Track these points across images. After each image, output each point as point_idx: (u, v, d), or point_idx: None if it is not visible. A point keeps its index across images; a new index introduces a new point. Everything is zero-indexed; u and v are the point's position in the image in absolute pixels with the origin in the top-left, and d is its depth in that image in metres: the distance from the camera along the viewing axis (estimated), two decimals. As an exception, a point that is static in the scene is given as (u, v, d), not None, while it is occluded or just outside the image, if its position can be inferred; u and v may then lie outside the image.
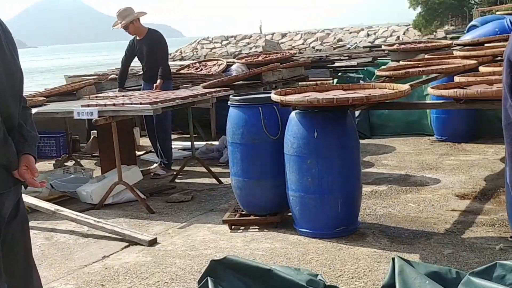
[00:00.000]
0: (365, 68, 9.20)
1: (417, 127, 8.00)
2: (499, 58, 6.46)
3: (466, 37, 9.55)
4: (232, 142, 4.60)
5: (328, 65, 9.15)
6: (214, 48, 58.91)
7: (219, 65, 9.23)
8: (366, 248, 3.97)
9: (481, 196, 5.03)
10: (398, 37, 49.25)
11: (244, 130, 4.51)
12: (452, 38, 13.98)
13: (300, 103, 3.94)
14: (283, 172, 4.35)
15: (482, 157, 6.43)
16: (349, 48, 36.93)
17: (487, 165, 6.08)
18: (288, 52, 9.39)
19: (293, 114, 4.26)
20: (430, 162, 6.37)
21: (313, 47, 51.84)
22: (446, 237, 4.10)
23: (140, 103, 5.14)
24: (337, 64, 9.13)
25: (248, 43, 58.41)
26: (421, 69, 5.67)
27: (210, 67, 9.29)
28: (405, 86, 4.18)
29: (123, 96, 6.06)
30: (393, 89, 4.33)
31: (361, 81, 9.14)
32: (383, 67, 8.31)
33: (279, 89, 4.40)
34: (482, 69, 5.22)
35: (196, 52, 57.63)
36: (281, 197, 4.45)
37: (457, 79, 4.53)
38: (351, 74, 9.33)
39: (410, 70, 5.67)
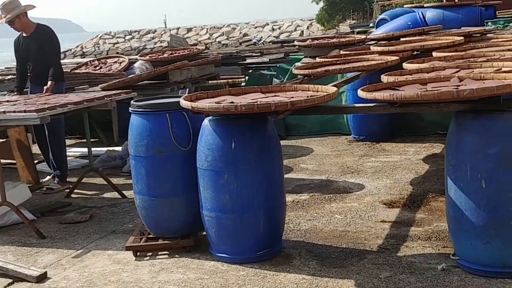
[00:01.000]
0: (277, 65, 8.75)
1: (333, 126, 7.64)
2: (419, 53, 6.18)
3: (379, 32, 9.32)
4: (135, 156, 3.96)
5: (240, 62, 8.62)
6: (117, 43, 57.14)
7: (121, 63, 8.47)
8: (294, 275, 3.47)
9: (410, 203, 4.67)
10: (302, 31, 49.78)
11: (149, 141, 3.88)
12: (359, 33, 13.87)
13: (215, 110, 3.37)
14: (197, 188, 3.78)
15: (403, 158, 6.12)
16: (255, 43, 36.71)
17: (410, 166, 5.77)
18: (196, 48, 8.77)
19: (206, 122, 3.69)
20: (350, 165, 5.99)
21: (219, 42, 51.41)
22: (380, 255, 3.67)
23: (25, 111, 4.38)
24: (248, 60, 8.61)
25: (153, 38, 57.16)
26: (341, 66, 5.25)
27: (111, 65, 8.50)
28: (332, 89, 3.71)
29: (7, 101, 5.24)
30: (317, 91, 3.85)
31: (274, 79, 8.69)
32: (297, 64, 7.87)
33: (189, 93, 3.80)
34: (407, 66, 4.85)
35: (98, 47, 55.67)
36: (195, 216, 3.87)
37: (385, 78, 4.12)
38: (263, 71, 8.85)
39: (330, 67, 5.23)
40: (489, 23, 11.21)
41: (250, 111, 3.30)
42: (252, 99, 3.80)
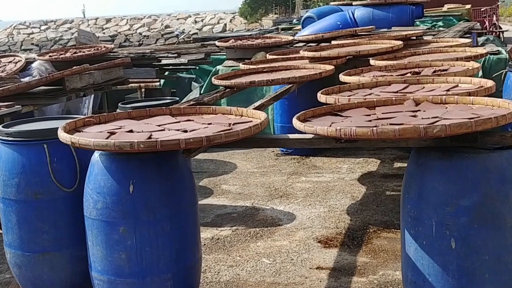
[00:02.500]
0: (197, 67, 7.90)
1: (260, 136, 6.87)
2: (352, 58, 5.51)
3: (306, 32, 8.65)
4: (3, 198, 3.03)
5: (154, 63, 7.71)
6: (32, 33, 54.41)
7: (16, 63, 7.34)
8: None
9: (348, 240, 3.97)
10: (225, 24, 48.97)
11: (20, 180, 2.97)
12: (284, 29, 13.21)
13: (103, 148, 2.50)
14: (85, 239, 2.91)
15: (336, 177, 5.44)
16: (177, 36, 35.57)
17: (345, 189, 5.09)
18: (104, 47, 7.77)
19: (96, 157, 2.81)
20: (279, 186, 5.24)
21: (140, 33, 49.73)
22: (320, 323, 2.94)
23: None
24: (164, 61, 7.71)
25: (70, 28, 54.83)
26: (269, 77, 4.49)
27: (5, 65, 7.36)
28: (261, 114, 2.93)
29: None
30: (241, 115, 3.06)
31: (193, 83, 7.83)
32: (219, 67, 7.08)
33: (71, 120, 2.91)
34: (345, 78, 4.15)
35: (12, 38, 52.85)
36: (84, 277, 3.00)
37: (323, 97, 3.39)
38: (181, 74, 7.97)
39: (256, 79, 4.45)
40: (417, 23, 10.79)
41: (151, 150, 2.46)
42: (158, 126, 2.96)
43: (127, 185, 2.72)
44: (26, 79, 6.42)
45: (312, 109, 3.00)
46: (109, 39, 46.40)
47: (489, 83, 3.35)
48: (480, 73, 6.03)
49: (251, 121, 2.94)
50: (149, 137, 2.74)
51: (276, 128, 6.53)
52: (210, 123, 2.97)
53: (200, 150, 2.66)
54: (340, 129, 2.41)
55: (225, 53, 7.43)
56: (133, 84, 7.33)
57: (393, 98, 3.11)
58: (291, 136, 2.80)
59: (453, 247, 2.47)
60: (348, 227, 4.20)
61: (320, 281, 3.40)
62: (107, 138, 2.69)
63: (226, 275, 3.54)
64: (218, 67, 7.08)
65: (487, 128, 2.34)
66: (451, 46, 5.43)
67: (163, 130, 2.91)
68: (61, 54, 7.55)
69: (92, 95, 7.27)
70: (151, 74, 7.46)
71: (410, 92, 3.59)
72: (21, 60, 7.43)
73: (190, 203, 2.89)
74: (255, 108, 3.65)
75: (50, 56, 7.50)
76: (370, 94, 3.63)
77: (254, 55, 7.03)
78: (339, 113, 3.00)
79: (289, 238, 4.05)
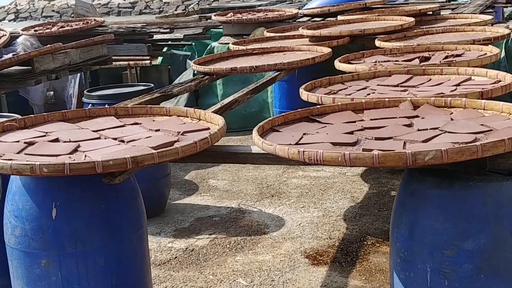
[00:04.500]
0: (192, 43, 7.32)
1: (257, 122, 6.29)
2: (358, 38, 4.90)
3: (312, 4, 8.00)
4: None
5: (147, 39, 7.14)
6: (53, 0, 53.91)
7: (0, 37, 6.87)
8: None
9: (341, 256, 3.42)
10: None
11: None
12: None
13: (12, 170, 1.96)
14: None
15: (338, 172, 4.86)
16: (198, 3, 34.72)
17: (345, 187, 4.52)
18: (94, 20, 7.20)
19: (15, 172, 2.29)
20: (271, 183, 4.70)
21: (161, 0, 48.80)
22: None
23: None
24: (157, 37, 7.14)
25: (94, -6, 54.21)
26: (253, 63, 3.92)
27: (-12, 41, 6.90)
28: (219, 120, 2.37)
29: None
30: (199, 118, 2.51)
31: (188, 61, 7.25)
32: (214, 44, 6.47)
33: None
34: (341, 66, 3.56)
35: (33, 4, 52.45)
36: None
37: (304, 94, 2.81)
38: (175, 51, 7.40)
39: (238, 65, 3.88)
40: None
41: (56, 175, 1.92)
42: (95, 131, 2.43)
43: (49, 209, 2.20)
44: (10, 55, 5.91)
45: (284, 113, 2.43)
46: (130, 5, 45.69)
47: (509, 78, 2.74)
48: (503, 54, 5.37)
49: (208, 129, 2.39)
50: (74, 150, 2.21)
51: (275, 113, 5.95)
52: (158, 130, 2.42)
53: (128, 172, 2.11)
54: (303, 151, 1.84)
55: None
56: (121, 62, 6.77)
57: (386, 100, 2.52)
58: (254, 150, 2.24)
59: (452, 302, 1.91)
60: (342, 238, 3.64)
61: (300, 312, 2.87)
62: (20, 151, 2.16)
63: (192, 300, 3.04)
64: (213, 44, 6.50)
65: (498, 153, 1.75)
66: (469, 24, 4.76)
67: (98, 138, 2.37)
68: (47, 29, 7.04)
69: (79, 74, 6.76)
70: (143, 51, 6.91)
71: (413, 86, 3.00)
72: (5, 35, 6.92)
73: (133, 229, 2.35)
74: (228, 104, 3.10)
75: (35, 30, 6.99)
76: (364, 88, 3.05)
77: (253, 31, 6.42)
78: (318, 119, 2.42)
79: (273, 251, 3.52)
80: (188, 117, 2.55)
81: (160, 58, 7.69)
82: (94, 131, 2.43)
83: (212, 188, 4.66)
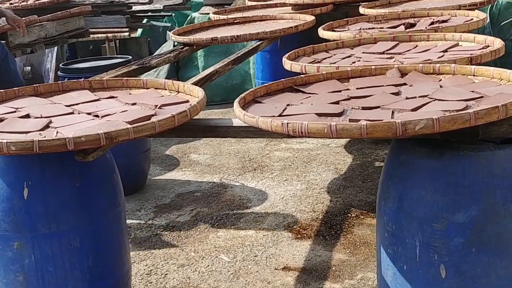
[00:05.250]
0: (172, 14, 7.14)
1: (240, 94, 6.16)
2: (342, 5, 4.78)
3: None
4: None
5: (125, 11, 6.95)
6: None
7: (-28, 11, 6.64)
8: None
9: (325, 229, 3.34)
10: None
11: None
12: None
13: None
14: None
15: (321, 144, 4.77)
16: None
17: (328, 158, 4.44)
18: (72, -8, 7.00)
19: (-18, 150, 2.16)
20: (254, 156, 4.60)
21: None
22: None
23: None
24: (136, 8, 6.94)
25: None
26: (234, 32, 3.79)
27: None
28: (198, 92, 2.25)
29: None
30: (177, 91, 2.39)
31: (168, 33, 7.07)
32: (195, 15, 6.30)
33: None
34: (324, 34, 3.45)
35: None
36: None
37: (287, 63, 2.69)
38: (155, 23, 7.21)
39: (219, 34, 3.75)
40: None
41: (25, 153, 1.80)
42: (68, 106, 2.31)
43: (21, 189, 2.09)
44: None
45: (267, 83, 2.32)
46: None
47: (497, 43, 2.66)
48: (488, 20, 5.28)
49: (187, 101, 2.27)
50: (46, 127, 2.09)
51: (257, 85, 5.83)
52: (135, 103, 2.30)
53: (102, 149, 1.99)
54: (287, 123, 1.74)
55: (204, -1, 6.68)
56: (99, 35, 6.59)
57: (373, 67, 2.42)
58: (236, 123, 2.13)
59: (442, 276, 1.84)
60: (326, 211, 3.57)
61: (286, 288, 2.80)
62: (-13, 128, 2.04)
63: (174, 278, 2.94)
64: (194, 14, 6.34)
65: (491, 121, 1.67)
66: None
67: (72, 113, 2.25)
68: (23, 1, 6.80)
69: (56, 48, 6.58)
70: (121, 23, 6.72)
71: (399, 53, 2.91)
72: (-23, 9, 6.69)
73: (110, 207, 2.25)
74: (208, 76, 2.98)
75: (10, 3, 6.77)
76: (350, 56, 2.95)
77: (234, 0, 6.28)
78: (302, 89, 2.32)
79: (256, 226, 3.43)
80: (166, 89, 2.44)
81: (139, 30, 7.51)
82: (67, 105, 2.31)
83: (193, 163, 4.56)
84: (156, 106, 2.21)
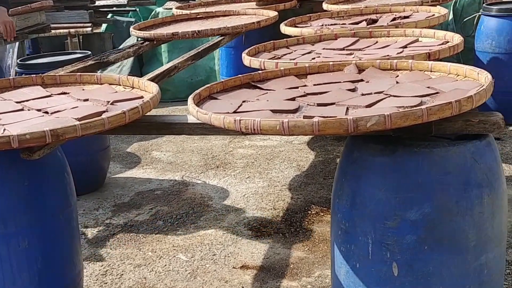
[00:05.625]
0: (137, 9, 7.03)
1: (204, 91, 6.11)
2: (308, 1, 4.76)
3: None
4: None
5: (89, 5, 6.84)
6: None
7: None
8: None
9: (285, 226, 3.31)
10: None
11: None
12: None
13: None
14: None
15: (284, 141, 4.75)
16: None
17: (291, 155, 4.41)
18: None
19: None
20: (217, 153, 4.55)
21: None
22: None
23: None
24: (100, 3, 6.84)
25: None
26: (196, 27, 3.73)
27: None
28: (154, 88, 2.19)
29: None
30: (132, 86, 2.33)
31: (131, 29, 6.96)
32: (159, 9, 6.22)
33: None
34: (286, 30, 3.43)
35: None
36: None
37: (246, 59, 2.65)
38: (119, 18, 7.10)
39: (179, 29, 3.69)
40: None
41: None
42: (18, 102, 2.23)
43: (-37, 187, 2.01)
44: None
45: (224, 80, 2.28)
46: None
47: (456, 38, 2.66)
48: (451, 17, 5.32)
49: (141, 97, 2.22)
50: (-9, 123, 2.02)
51: (221, 75, 5.78)
52: (87, 99, 2.23)
53: (49, 147, 1.92)
54: (240, 120, 1.70)
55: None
56: (61, 30, 6.46)
57: (331, 63, 2.39)
58: (191, 119, 2.08)
59: (395, 274, 1.82)
60: (287, 208, 3.54)
61: (242, 287, 2.75)
62: None
63: (130, 278, 2.88)
64: (158, 9, 6.26)
65: (444, 117, 1.65)
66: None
67: (21, 110, 2.17)
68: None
69: (17, 43, 6.42)
70: (84, 18, 6.62)
71: (359, 49, 2.89)
72: None
73: (60, 207, 2.18)
74: (166, 71, 2.92)
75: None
76: (310, 52, 2.92)
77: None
78: (259, 85, 2.28)
79: (216, 225, 3.39)
80: (120, 85, 2.38)
81: (104, 26, 7.39)
82: (17, 102, 2.23)
83: (155, 160, 4.49)
84: (108, 102, 2.15)
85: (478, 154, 1.79)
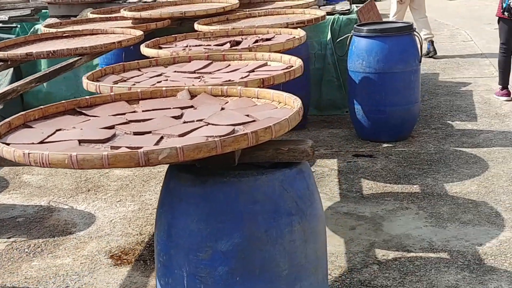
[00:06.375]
0: (18, 26, 6.76)
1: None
2: (183, 20, 4.71)
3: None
4: None
5: (-33, 21, 6.51)
6: None
7: None
8: None
9: (148, 253, 3.23)
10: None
11: None
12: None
13: None
14: None
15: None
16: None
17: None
18: None
19: None
20: (91, 175, 4.40)
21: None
22: None
23: None
24: (-22, 19, 6.53)
25: None
26: (56, 47, 3.60)
27: None
28: None
29: None
30: None
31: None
32: (38, 26, 6.01)
33: None
34: (145, 51, 3.35)
35: None
36: None
37: (84, 83, 2.56)
38: (2, 35, 6.80)
39: (34, 49, 3.54)
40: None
41: None
42: None
43: None
44: None
45: (44, 106, 2.18)
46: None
47: (297, 63, 2.67)
48: (329, 36, 5.42)
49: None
50: None
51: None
52: None
53: None
54: (29, 153, 1.61)
55: (53, 11, 6.38)
56: None
57: (164, 89, 2.35)
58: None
59: (209, 307, 1.78)
60: (153, 233, 3.46)
61: (91, 320, 2.65)
62: None
63: (-30, 316, 2.72)
64: (37, 26, 6.04)
65: (241, 148, 1.63)
66: (291, 7, 4.74)
67: None
68: None
69: None
70: (-40, 35, 6.29)
71: (209, 73, 2.87)
72: None
73: None
74: (2, 95, 2.79)
75: None
76: (160, 75, 2.87)
77: (81, 12, 6.05)
78: (85, 111, 2.20)
79: (75, 253, 3.26)
80: None
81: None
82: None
83: (23, 185, 4.29)
84: None
85: (288, 182, 1.79)
